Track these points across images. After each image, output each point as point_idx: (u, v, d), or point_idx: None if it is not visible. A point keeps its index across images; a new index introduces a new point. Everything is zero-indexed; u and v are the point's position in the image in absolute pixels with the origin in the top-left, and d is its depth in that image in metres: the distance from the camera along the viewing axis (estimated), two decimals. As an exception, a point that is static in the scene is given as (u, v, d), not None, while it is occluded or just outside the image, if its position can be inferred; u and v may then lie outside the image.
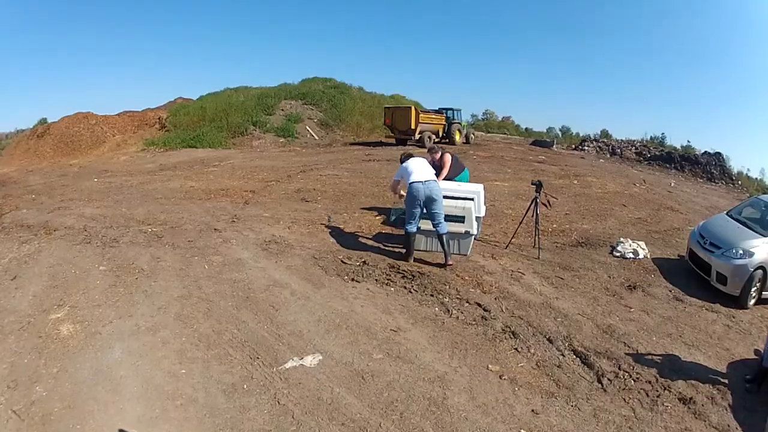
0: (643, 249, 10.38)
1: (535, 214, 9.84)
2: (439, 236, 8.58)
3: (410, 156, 9.28)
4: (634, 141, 41.90)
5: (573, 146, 43.34)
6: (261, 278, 7.83)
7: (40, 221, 12.41)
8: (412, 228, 8.62)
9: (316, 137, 37.63)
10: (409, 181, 8.48)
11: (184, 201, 14.26)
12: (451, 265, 8.47)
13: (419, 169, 8.71)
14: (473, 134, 40.17)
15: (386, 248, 9.47)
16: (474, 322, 6.67)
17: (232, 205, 13.39)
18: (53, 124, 44.92)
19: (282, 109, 41.05)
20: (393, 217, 11.30)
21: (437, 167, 10.78)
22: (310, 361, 5.55)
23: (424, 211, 8.66)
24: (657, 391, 5.44)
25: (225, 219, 11.80)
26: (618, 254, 10.21)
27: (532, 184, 10.00)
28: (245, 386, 5.15)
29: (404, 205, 9.00)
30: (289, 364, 5.48)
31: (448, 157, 10.91)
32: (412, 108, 33.16)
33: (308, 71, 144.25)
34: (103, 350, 5.87)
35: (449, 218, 8.92)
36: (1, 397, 5.10)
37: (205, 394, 5.00)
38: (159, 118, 42.70)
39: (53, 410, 4.86)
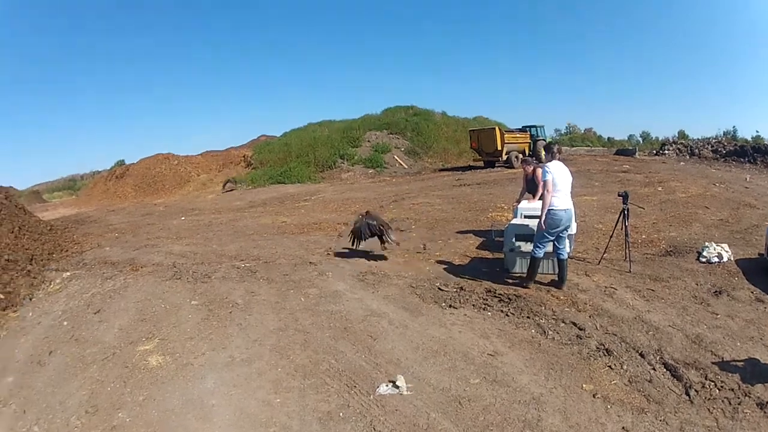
0: (727, 251, 10.47)
1: (624, 226, 10.00)
2: (560, 261, 8.57)
3: (553, 151, 8.99)
4: (709, 139, 43.88)
5: (654, 151, 44.57)
6: (358, 309, 7.99)
7: (126, 258, 13.02)
8: (540, 253, 8.51)
9: (405, 166, 38.25)
10: (553, 206, 8.29)
11: (277, 236, 14.75)
12: (562, 289, 8.47)
13: (564, 186, 8.47)
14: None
15: (483, 272, 9.61)
16: (569, 342, 6.78)
17: (326, 238, 13.77)
18: (132, 165, 48.89)
19: (368, 141, 42.27)
20: (494, 236, 11.03)
21: (531, 182, 11.35)
22: (406, 387, 5.58)
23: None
24: (738, 398, 5.44)
25: (320, 252, 12.02)
26: (704, 260, 10.34)
27: (619, 195, 10.25)
28: (341, 414, 5.23)
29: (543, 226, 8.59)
30: (385, 392, 5.55)
31: (540, 173, 10.55)
32: (497, 129, 33.68)
33: (389, 100, 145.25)
34: (195, 380, 6.03)
35: None
36: (78, 421, 5.35)
37: (300, 422, 5.10)
38: (244, 156, 44.85)
39: (137, 436, 4.93)
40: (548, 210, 8.25)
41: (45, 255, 13.48)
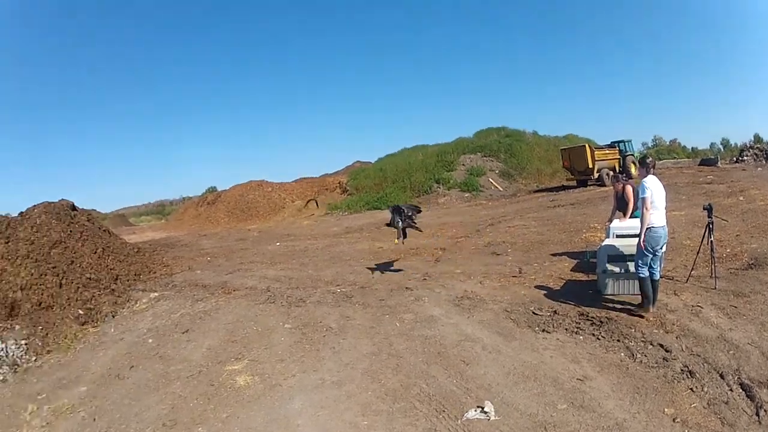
0: None
1: (709, 241, 9.85)
2: (653, 281, 8.23)
3: (648, 165, 8.53)
4: None
5: (734, 158, 45.15)
6: (452, 334, 8.01)
7: (218, 281, 13.53)
8: (645, 273, 8.13)
9: (500, 188, 37.86)
10: (652, 224, 8.03)
11: (374, 261, 14.69)
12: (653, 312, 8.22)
13: (660, 202, 8.19)
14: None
15: (576, 295, 9.48)
16: (656, 365, 6.69)
17: (422, 264, 13.67)
18: (224, 192, 51.33)
19: (462, 164, 42.10)
20: (587, 258, 10.75)
21: (621, 199, 11.34)
22: (494, 413, 5.60)
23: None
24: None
25: (416, 277, 11.90)
26: None
27: (704, 209, 10.06)
28: (427, 437, 5.28)
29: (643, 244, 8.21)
30: (473, 416, 5.57)
31: (630, 190, 11.21)
32: (587, 146, 33.34)
33: (480, 122, 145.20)
34: (282, 401, 6.10)
35: (630, 258, 8.90)
36: None
37: (385, 445, 5.00)
38: (339, 183, 45.50)
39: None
40: (649, 228, 8.05)
41: (131, 276, 14.11)
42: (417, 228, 13.17)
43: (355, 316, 9.20)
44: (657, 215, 8.02)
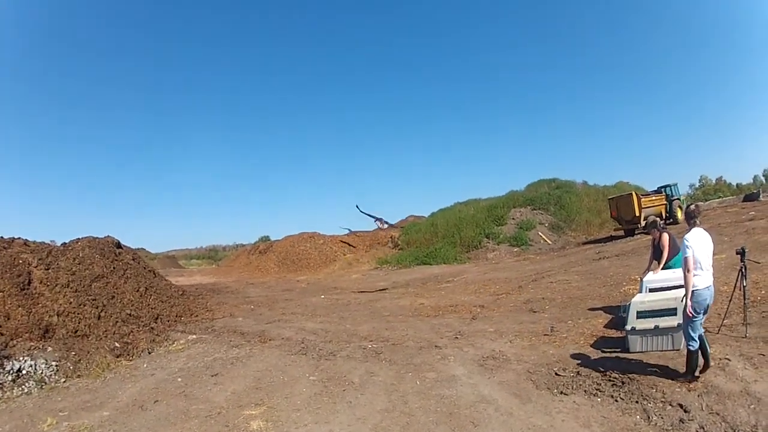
0: None
1: (742, 286, 9.39)
2: (690, 352, 7.54)
3: (694, 217, 7.81)
4: None
5: None
6: (469, 394, 8.00)
7: (256, 330, 13.93)
8: (695, 344, 7.42)
9: (549, 242, 37.62)
10: (696, 286, 7.39)
11: (411, 318, 14.99)
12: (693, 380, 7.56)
13: (706, 261, 7.51)
14: (694, 205, 37.96)
15: (605, 354, 9.37)
16: (671, 428, 6.55)
17: (458, 321, 13.70)
18: (277, 242, 52.75)
19: (512, 218, 42.04)
20: (621, 313, 10.67)
21: (656, 247, 11.26)
22: None
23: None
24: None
25: (449, 336, 11.99)
26: None
27: (737, 253, 9.57)
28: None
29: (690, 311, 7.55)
30: None
31: (666, 239, 11.12)
32: (633, 194, 32.78)
33: (533, 173, 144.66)
34: None
35: (660, 313, 8.91)
36: None
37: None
38: (391, 237, 46.16)
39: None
40: (692, 292, 7.40)
41: (173, 317, 14.72)
42: None
43: (379, 372, 9.37)
44: (702, 276, 7.40)
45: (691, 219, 7.81)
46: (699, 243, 7.45)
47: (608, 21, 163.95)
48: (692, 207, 8.02)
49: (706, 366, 7.62)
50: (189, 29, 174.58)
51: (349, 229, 47.88)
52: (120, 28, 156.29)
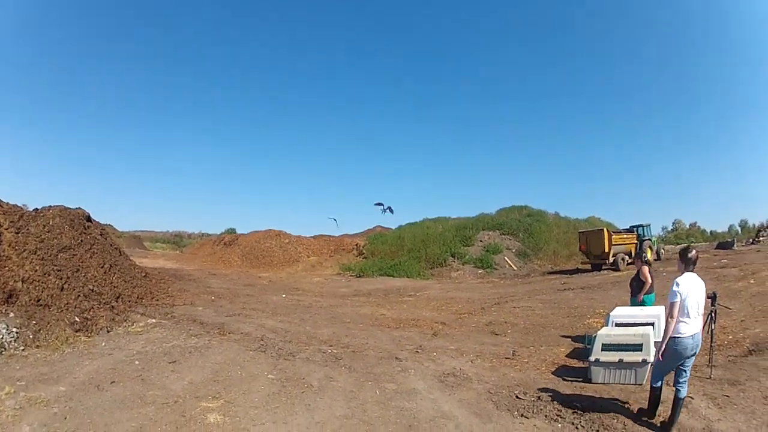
0: None
1: (710, 329, 9.43)
2: (677, 399, 7.11)
3: (689, 259, 7.19)
4: None
5: (750, 240, 45.23)
6: (429, 409, 7.92)
7: (216, 322, 13.79)
8: (662, 383, 7.29)
9: (515, 268, 38.15)
10: (680, 333, 6.89)
11: (372, 327, 14.99)
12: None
13: (695, 308, 6.96)
14: (663, 249, 39.79)
15: (566, 382, 9.42)
16: None
17: (419, 336, 13.75)
18: (243, 236, 52.98)
19: (480, 240, 42.70)
20: (585, 343, 10.79)
21: (636, 279, 11.58)
22: None
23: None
24: None
25: (409, 349, 11.97)
26: None
27: (708, 297, 9.02)
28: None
29: (660, 355, 7.20)
30: None
31: (646, 270, 11.44)
32: (605, 230, 33.78)
33: (504, 198, 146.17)
34: None
35: (625, 347, 9.02)
36: None
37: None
38: (357, 245, 46.16)
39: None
40: (674, 338, 6.92)
41: (134, 298, 14.56)
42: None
43: (338, 378, 9.26)
44: (688, 324, 6.87)
45: (685, 262, 7.21)
46: (690, 289, 6.96)
47: (594, 56, 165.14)
48: (693, 252, 7.29)
49: (669, 425, 7.17)
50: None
51: (335, 219, 48.23)
52: None
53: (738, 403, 7.89)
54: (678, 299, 6.81)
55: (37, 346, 9.49)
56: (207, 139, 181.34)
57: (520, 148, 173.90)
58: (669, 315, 6.89)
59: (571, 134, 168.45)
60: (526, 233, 44.31)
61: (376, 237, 47.56)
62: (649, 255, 33.80)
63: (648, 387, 8.00)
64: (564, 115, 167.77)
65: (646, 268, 11.23)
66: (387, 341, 12.78)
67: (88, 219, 16.15)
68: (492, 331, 14.43)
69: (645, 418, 7.61)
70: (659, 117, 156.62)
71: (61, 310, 11.00)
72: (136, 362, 9.17)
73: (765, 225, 47.46)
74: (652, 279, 11.14)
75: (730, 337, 12.11)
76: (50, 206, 14.94)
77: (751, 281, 20.06)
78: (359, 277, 34.95)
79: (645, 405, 7.72)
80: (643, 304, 11.23)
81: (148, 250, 62.47)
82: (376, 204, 42.11)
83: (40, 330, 9.95)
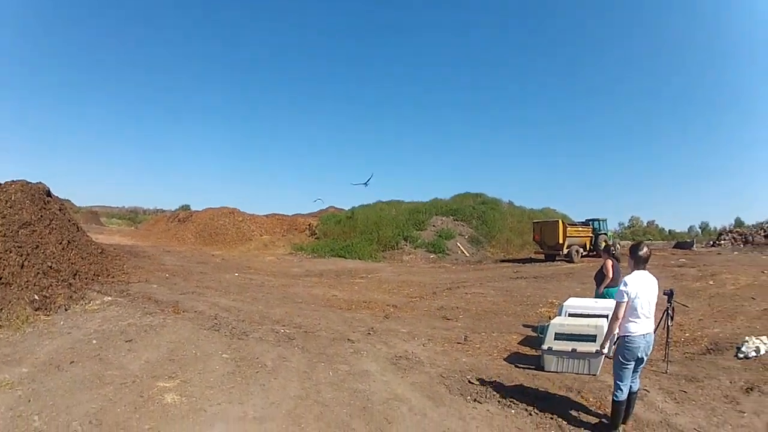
0: (765, 344, 10.52)
1: (666, 326, 9.48)
2: (630, 393, 6.85)
3: (639, 257, 6.81)
4: (762, 223, 45.70)
5: (711, 242, 46.17)
6: (382, 391, 8.01)
7: (170, 300, 13.79)
8: (623, 396, 6.71)
9: (467, 254, 38.88)
10: (630, 332, 6.61)
11: (324, 308, 15.12)
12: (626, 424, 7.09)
13: (646, 308, 6.66)
14: (618, 244, 40.06)
15: (518, 369, 9.51)
16: None
17: (371, 318, 13.94)
18: (197, 213, 52.52)
19: (433, 225, 43.20)
20: (538, 332, 11.00)
21: (599, 272, 11.60)
22: None
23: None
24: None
25: (361, 331, 12.13)
26: (742, 355, 10.33)
27: (664, 294, 9.20)
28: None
29: (611, 355, 7.28)
30: None
31: (609, 264, 11.44)
32: (560, 222, 34.47)
33: (459, 185, 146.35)
34: (203, 425, 6.28)
35: (578, 337, 9.09)
36: (80, 427, 5.87)
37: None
38: (309, 225, 46.54)
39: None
40: (624, 337, 6.67)
41: (90, 275, 14.38)
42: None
43: (292, 358, 9.37)
44: (638, 324, 6.58)
45: (637, 259, 6.84)
46: (640, 288, 6.63)
47: (559, 52, 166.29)
48: (644, 249, 6.88)
49: (626, 418, 6.99)
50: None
51: (321, 200, 48.25)
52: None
53: (696, 399, 8.02)
54: (625, 299, 6.54)
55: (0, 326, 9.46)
56: (164, 112, 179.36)
57: (477, 135, 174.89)
58: (614, 315, 6.66)
59: (530, 125, 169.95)
60: (479, 220, 44.86)
61: (329, 218, 47.80)
62: (601, 250, 34.16)
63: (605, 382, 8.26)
64: (525, 107, 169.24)
65: (609, 262, 11.36)
66: (339, 322, 12.90)
67: (48, 194, 15.93)
68: (444, 315, 14.63)
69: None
70: (621, 114, 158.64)
71: (22, 288, 10.84)
72: (94, 341, 9.16)
73: (727, 229, 48.41)
74: (614, 273, 11.24)
75: (687, 334, 12.36)
76: (12, 181, 14.66)
77: (711, 282, 20.41)
78: (312, 257, 34.90)
79: (599, 396, 7.87)
80: (604, 296, 11.30)
81: (105, 226, 61.61)
82: (355, 184, 42.24)
83: (1, 309, 9.81)
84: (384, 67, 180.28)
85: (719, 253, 35.12)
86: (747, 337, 10.92)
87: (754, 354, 10.17)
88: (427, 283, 22.50)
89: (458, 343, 11.33)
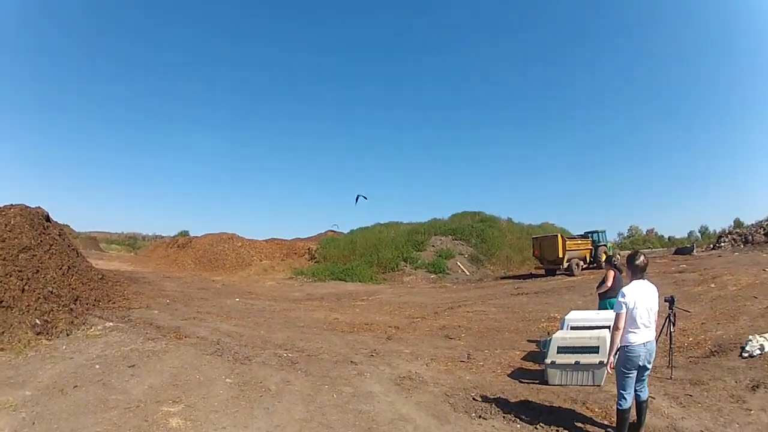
0: None
1: (669, 332, 9.70)
2: (639, 404, 6.98)
3: (636, 266, 6.91)
4: (762, 222, 44.62)
5: (711, 246, 45.32)
6: (387, 411, 7.94)
7: (172, 325, 13.71)
8: (627, 404, 6.74)
9: (467, 273, 38.65)
10: (629, 342, 6.66)
11: (326, 332, 15.08)
12: None
13: (645, 317, 6.70)
14: (619, 254, 39.68)
15: (522, 384, 9.51)
16: None
17: (373, 340, 13.89)
18: (196, 239, 52.41)
19: (432, 245, 43.11)
20: (541, 347, 10.96)
21: (602, 283, 11.66)
22: None
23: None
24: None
25: (364, 353, 12.07)
26: (746, 354, 10.37)
27: (666, 300, 9.51)
28: None
29: (612, 367, 7.03)
30: None
31: (611, 275, 11.54)
32: (559, 236, 34.06)
33: (457, 204, 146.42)
34: None
35: (581, 349, 9.09)
36: None
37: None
38: (309, 249, 46.20)
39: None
40: (624, 347, 6.69)
41: (91, 300, 14.32)
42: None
43: (295, 382, 9.29)
44: (637, 334, 6.61)
45: (632, 269, 6.95)
46: (638, 297, 6.67)
47: (547, 62, 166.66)
48: (641, 259, 6.99)
49: (638, 427, 7.02)
50: None
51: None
52: None
53: (702, 402, 8.00)
54: (623, 310, 6.59)
55: (1, 349, 9.35)
56: (162, 139, 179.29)
57: (474, 155, 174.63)
58: (614, 326, 6.68)
59: (526, 142, 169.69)
60: (478, 239, 44.78)
61: (328, 241, 47.66)
62: (603, 260, 34.12)
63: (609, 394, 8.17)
64: (518, 123, 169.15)
65: (611, 273, 11.40)
66: (341, 345, 12.83)
67: (47, 219, 15.91)
68: (446, 335, 14.60)
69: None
70: (615, 125, 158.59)
71: (23, 312, 10.75)
72: (97, 366, 9.10)
73: (726, 231, 48.25)
74: (614, 283, 11.19)
75: (691, 339, 12.35)
76: (11, 205, 14.65)
77: (712, 285, 20.30)
78: (312, 281, 34.77)
79: (604, 406, 7.84)
80: (607, 308, 11.17)
81: (104, 252, 61.31)
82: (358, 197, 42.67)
83: (3, 332, 9.77)
84: (379, 89, 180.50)
85: (720, 256, 34.86)
86: (751, 336, 10.95)
87: (758, 352, 10.21)
88: (429, 304, 22.45)
89: (461, 361, 11.33)
